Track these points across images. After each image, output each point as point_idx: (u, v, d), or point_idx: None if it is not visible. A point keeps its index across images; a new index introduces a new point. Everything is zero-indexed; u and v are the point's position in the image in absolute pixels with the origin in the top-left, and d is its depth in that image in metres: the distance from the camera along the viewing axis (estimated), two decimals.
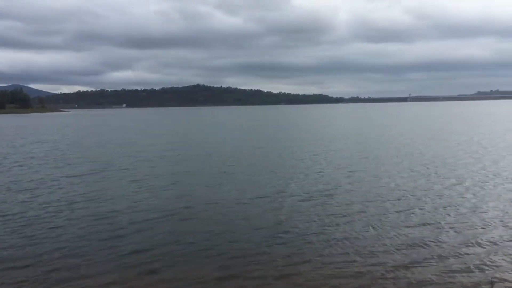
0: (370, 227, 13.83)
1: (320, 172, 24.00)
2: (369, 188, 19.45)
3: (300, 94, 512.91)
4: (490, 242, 12.24)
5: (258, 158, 30.24)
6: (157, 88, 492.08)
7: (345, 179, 21.77)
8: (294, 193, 18.73)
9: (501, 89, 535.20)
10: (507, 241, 12.31)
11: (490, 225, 13.71)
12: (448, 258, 11.15)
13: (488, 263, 10.82)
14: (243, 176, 23.17)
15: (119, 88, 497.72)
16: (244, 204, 17.06)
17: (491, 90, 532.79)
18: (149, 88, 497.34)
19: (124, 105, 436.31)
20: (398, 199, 17.29)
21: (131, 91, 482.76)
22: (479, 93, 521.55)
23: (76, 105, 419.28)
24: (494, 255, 11.30)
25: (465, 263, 10.81)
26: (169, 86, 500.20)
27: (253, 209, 16.30)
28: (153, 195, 18.93)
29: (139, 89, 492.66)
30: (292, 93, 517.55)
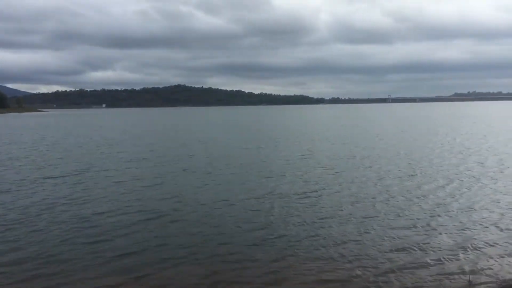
0: (361, 229, 13.74)
1: (307, 173, 23.91)
2: (358, 189, 19.41)
3: (281, 95, 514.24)
4: (483, 243, 12.28)
5: (243, 159, 30.01)
6: (137, 88, 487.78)
7: (333, 180, 21.72)
8: (282, 194, 18.57)
9: (478, 90, 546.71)
10: (497, 241, 12.36)
11: (479, 226, 13.77)
12: (441, 261, 11.12)
13: (481, 265, 10.82)
14: (229, 177, 22.95)
15: (98, 88, 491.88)
16: (232, 205, 16.84)
17: (468, 92, 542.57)
18: (129, 88, 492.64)
19: (104, 105, 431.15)
20: (387, 200, 17.28)
21: (111, 91, 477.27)
22: (456, 94, 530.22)
23: (54, 105, 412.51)
24: (487, 256, 11.33)
25: (458, 265, 10.81)
26: (150, 86, 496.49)
27: (241, 210, 16.10)
28: (137, 197, 18.55)
29: (119, 89, 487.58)
30: (273, 93, 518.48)
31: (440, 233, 13.14)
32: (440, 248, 11.99)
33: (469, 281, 9.84)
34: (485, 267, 10.70)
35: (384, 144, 38.14)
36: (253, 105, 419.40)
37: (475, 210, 15.63)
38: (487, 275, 10.25)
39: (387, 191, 18.90)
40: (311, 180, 21.63)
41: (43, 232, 13.81)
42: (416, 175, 22.56)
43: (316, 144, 39.55)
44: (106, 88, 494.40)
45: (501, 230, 13.36)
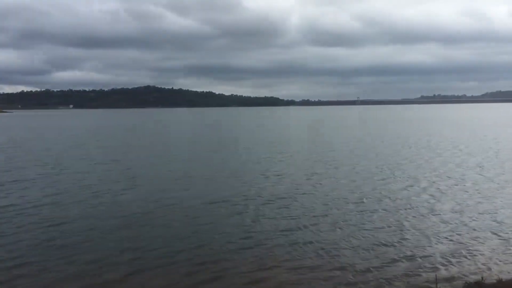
0: (337, 229, 14.04)
1: (280, 175, 24.12)
2: (331, 190, 19.79)
3: (252, 96, 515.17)
4: (452, 241, 12.77)
5: (215, 162, 30.04)
6: (106, 89, 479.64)
7: (306, 181, 22.05)
8: (257, 196, 18.73)
9: (443, 93, 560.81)
10: (464, 240, 12.87)
11: (447, 226, 14.27)
12: (409, 258, 11.52)
13: (447, 262, 11.27)
14: (203, 180, 22.91)
15: (65, 89, 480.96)
16: (207, 208, 16.86)
17: (434, 95, 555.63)
18: (97, 89, 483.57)
19: (71, 106, 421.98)
20: (361, 201, 17.71)
21: (79, 91, 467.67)
22: (422, 97, 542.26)
23: (19, 106, 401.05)
24: (453, 254, 11.80)
25: (425, 263, 11.22)
26: (119, 87, 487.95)
27: (217, 213, 16.15)
28: (110, 200, 18.36)
29: (87, 89, 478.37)
30: (244, 95, 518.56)
31: (409, 232, 13.58)
32: (408, 245, 12.40)
33: (436, 277, 10.26)
34: (451, 264, 11.14)
35: (361, 146, 38.83)
36: (223, 106, 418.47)
37: (444, 210, 16.18)
38: (453, 272, 10.70)
39: (360, 192, 19.32)
40: (285, 183, 21.85)
41: (12, 237, 13.49)
42: (390, 177, 23.10)
43: (289, 146, 39.90)
44: (74, 88, 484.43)
45: (468, 229, 13.90)
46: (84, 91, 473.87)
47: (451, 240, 12.90)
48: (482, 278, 10.16)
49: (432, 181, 21.59)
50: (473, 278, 10.26)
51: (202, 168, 27.00)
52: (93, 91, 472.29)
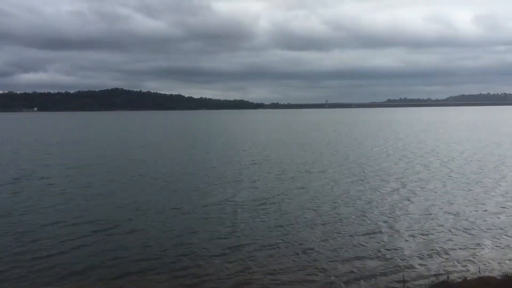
0: (320, 233, 14.38)
1: (260, 179, 24.28)
2: (315, 194, 20.18)
3: (221, 99, 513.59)
4: (419, 241, 13.34)
5: (190, 165, 30.02)
6: (72, 92, 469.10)
7: (288, 185, 22.38)
8: (239, 201, 18.84)
9: (409, 97, 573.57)
10: (430, 241, 13.48)
11: (417, 225, 14.87)
12: (377, 259, 12.03)
13: (414, 263, 11.81)
14: (180, 185, 22.83)
15: (30, 91, 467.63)
16: (184, 213, 16.90)
17: (400, 98, 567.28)
18: (63, 91, 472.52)
19: (36, 108, 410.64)
20: (335, 203, 18.26)
21: (44, 94, 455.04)
22: (389, 100, 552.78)
23: None
24: (420, 254, 12.36)
25: (393, 264, 11.74)
26: (86, 89, 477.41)
27: (198, 218, 16.18)
28: (86, 206, 18.18)
29: (52, 92, 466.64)
30: (213, 98, 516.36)
31: (378, 233, 14.13)
32: (377, 246, 12.93)
33: (403, 277, 10.76)
34: (418, 264, 11.70)
35: (331, 149, 39.48)
36: (193, 109, 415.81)
37: (429, 212, 16.81)
38: (420, 272, 11.24)
39: (334, 194, 19.81)
40: (265, 187, 22.10)
41: None
42: (365, 179, 23.69)
43: (263, 150, 40.18)
44: (38, 91, 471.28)
45: (436, 230, 14.53)
46: (49, 93, 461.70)
47: (418, 241, 13.50)
48: (448, 277, 10.72)
49: (402, 182, 22.30)
50: (439, 277, 10.81)
51: (173, 172, 26.95)
52: (59, 93, 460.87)
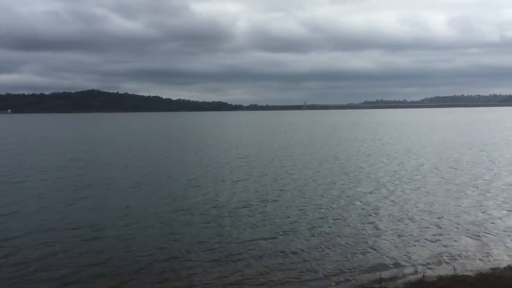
0: (309, 236, 14.42)
1: (241, 181, 24.27)
2: (299, 195, 20.34)
3: (200, 101, 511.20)
4: (396, 240, 13.55)
5: (168, 168, 29.85)
6: (47, 93, 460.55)
7: (271, 186, 22.44)
8: (223, 204, 18.69)
9: (385, 99, 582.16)
10: (408, 240, 13.71)
11: (394, 224, 15.12)
12: (354, 258, 12.19)
13: (390, 262, 12.00)
14: (157, 189, 22.49)
15: (3, 92, 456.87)
16: (170, 217, 16.62)
17: (377, 100, 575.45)
18: (38, 92, 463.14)
19: (9, 110, 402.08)
20: (319, 205, 18.37)
21: (18, 95, 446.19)
22: (366, 102, 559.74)
23: None
24: (397, 254, 12.57)
25: (369, 263, 11.92)
26: (61, 91, 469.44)
27: (179, 222, 15.95)
28: (63, 212, 17.83)
29: (27, 93, 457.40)
30: (191, 100, 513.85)
31: (356, 233, 14.32)
32: (354, 245, 13.13)
33: (380, 277, 10.93)
34: (394, 264, 11.90)
35: (312, 150, 39.74)
36: (171, 111, 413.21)
37: (390, 210, 17.09)
38: (396, 271, 11.44)
39: (318, 197, 19.97)
40: (246, 189, 22.09)
41: None
42: (345, 179, 23.96)
43: (244, 151, 40.20)
44: (12, 92, 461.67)
45: (412, 228, 14.79)
46: (23, 95, 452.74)
47: (395, 240, 13.73)
48: (423, 276, 10.93)
49: (380, 181, 22.61)
50: (415, 276, 11.01)
51: (156, 175, 26.77)
52: (33, 95, 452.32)
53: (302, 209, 17.76)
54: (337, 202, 18.94)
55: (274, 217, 16.61)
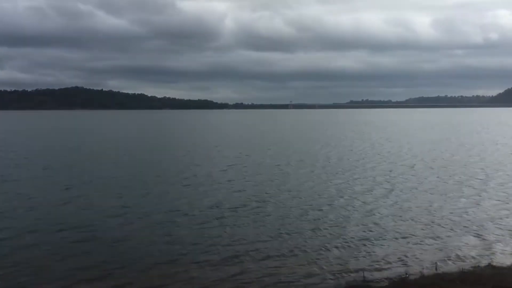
0: (279, 231, 14.48)
1: (236, 181, 24.04)
2: (293, 195, 20.22)
3: (185, 99, 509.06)
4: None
5: (165, 167, 29.65)
6: (29, 90, 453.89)
7: (262, 188, 22.12)
8: (217, 204, 18.48)
9: (371, 99, 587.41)
10: (391, 241, 13.84)
11: (378, 224, 15.24)
12: (339, 259, 12.26)
13: (375, 263, 12.10)
14: (150, 188, 22.12)
15: None
16: (164, 218, 16.31)
17: (362, 100, 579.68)
18: (20, 89, 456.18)
19: None
20: (309, 204, 18.38)
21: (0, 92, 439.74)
22: (351, 102, 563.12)
23: None
24: (380, 254, 12.69)
25: (354, 263, 12.00)
26: (44, 87, 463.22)
27: (175, 223, 15.60)
28: (45, 212, 17.56)
29: (9, 90, 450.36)
30: (177, 98, 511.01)
31: (341, 232, 14.39)
32: (337, 245, 13.20)
33: (364, 277, 11.02)
34: (377, 263, 12.00)
35: (301, 149, 39.87)
36: (156, 109, 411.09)
37: (375, 211, 17.21)
38: (379, 270, 11.54)
39: (306, 195, 20.04)
40: (242, 188, 21.98)
41: None
42: (335, 179, 24.09)
43: (234, 151, 40.15)
44: None
45: (394, 226, 14.93)
46: (6, 91, 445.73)
47: (378, 240, 13.82)
48: (406, 274, 11.04)
49: (366, 180, 22.79)
50: (398, 275, 11.11)
51: (148, 175, 26.50)
52: (16, 91, 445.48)
53: (295, 208, 17.82)
54: (320, 199, 19.04)
55: (271, 217, 16.54)
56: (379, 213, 17.00)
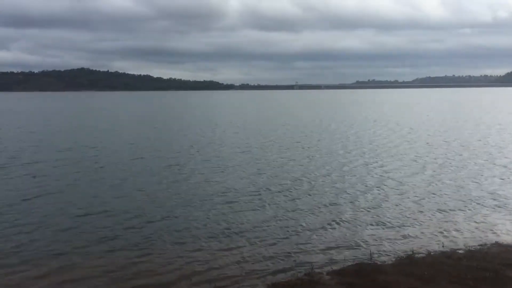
0: (290, 211, 14.58)
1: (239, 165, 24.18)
2: (299, 176, 20.17)
3: (191, 80, 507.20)
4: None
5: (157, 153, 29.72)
6: (36, 71, 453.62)
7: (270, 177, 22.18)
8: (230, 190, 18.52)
9: (377, 79, 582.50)
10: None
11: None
12: (348, 238, 12.31)
13: (385, 238, 12.15)
14: (157, 171, 22.30)
15: None
16: (167, 203, 16.18)
17: (368, 80, 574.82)
18: (26, 70, 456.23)
19: None
20: (318, 184, 18.42)
21: (6, 73, 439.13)
22: (357, 82, 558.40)
23: None
24: (389, 230, 12.73)
25: (364, 239, 12.07)
26: (50, 69, 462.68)
27: (183, 210, 15.32)
28: (59, 196, 17.62)
29: (15, 71, 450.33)
30: (182, 79, 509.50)
31: (345, 211, 14.45)
32: (345, 224, 13.25)
33: (370, 254, 11.07)
34: (384, 240, 12.05)
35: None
36: (162, 90, 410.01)
37: (379, 190, 17.25)
38: (386, 247, 11.59)
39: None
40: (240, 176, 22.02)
41: None
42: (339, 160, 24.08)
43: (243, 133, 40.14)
44: (0, 70, 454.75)
45: (402, 209, 14.95)
46: (12, 73, 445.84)
47: (384, 219, 13.86)
48: (412, 252, 11.08)
49: (368, 162, 22.75)
50: (404, 252, 11.15)
51: (150, 160, 26.50)
52: (22, 73, 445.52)
53: (291, 187, 17.82)
54: (327, 180, 19.08)
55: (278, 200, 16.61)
56: (384, 192, 17.02)
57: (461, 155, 25.20)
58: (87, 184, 18.58)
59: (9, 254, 11.19)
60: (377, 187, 17.86)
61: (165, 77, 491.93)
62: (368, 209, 14.85)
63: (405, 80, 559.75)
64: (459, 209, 14.75)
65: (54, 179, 19.44)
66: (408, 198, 16.18)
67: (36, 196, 16.41)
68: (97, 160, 24.14)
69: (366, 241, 12.06)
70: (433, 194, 16.66)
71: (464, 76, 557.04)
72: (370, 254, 11.07)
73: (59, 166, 22.50)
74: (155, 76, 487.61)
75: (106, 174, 20.72)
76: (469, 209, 14.73)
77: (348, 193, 16.87)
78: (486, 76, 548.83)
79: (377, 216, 14.16)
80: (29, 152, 27.19)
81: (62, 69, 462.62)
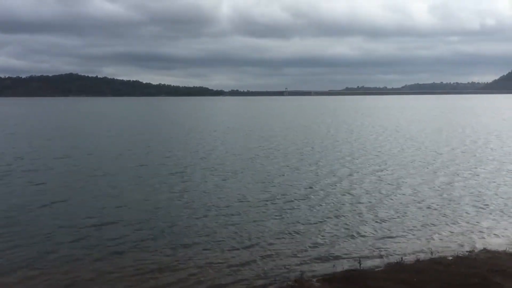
0: (279, 220, 14.57)
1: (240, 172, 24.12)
2: (298, 180, 20.25)
3: (181, 86, 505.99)
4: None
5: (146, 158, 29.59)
6: (23, 76, 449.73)
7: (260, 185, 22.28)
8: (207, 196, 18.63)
9: (366, 85, 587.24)
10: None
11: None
12: (340, 243, 12.33)
13: (376, 244, 12.17)
14: (153, 177, 22.28)
15: None
16: (165, 208, 16.15)
17: (358, 86, 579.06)
18: (14, 76, 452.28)
19: None
20: (310, 188, 18.48)
21: None
22: (347, 89, 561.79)
23: None
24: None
25: (354, 245, 12.08)
26: (39, 74, 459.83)
27: (184, 215, 15.33)
28: (50, 205, 17.53)
29: (3, 76, 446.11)
30: (172, 84, 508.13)
31: (334, 218, 14.47)
32: (333, 230, 13.26)
33: (359, 259, 11.08)
34: (373, 247, 12.09)
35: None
36: (151, 96, 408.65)
37: (368, 196, 17.31)
38: (375, 254, 11.62)
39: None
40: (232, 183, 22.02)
41: None
42: (326, 167, 24.15)
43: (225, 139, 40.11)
44: None
45: (390, 214, 15.02)
46: (0, 78, 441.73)
47: (374, 225, 13.92)
48: (402, 258, 11.13)
49: (359, 168, 22.84)
50: (394, 259, 11.20)
51: (152, 165, 26.41)
52: (9, 78, 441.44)
53: (280, 195, 17.85)
54: (317, 185, 19.11)
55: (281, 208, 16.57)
56: (374, 200, 17.07)
57: (447, 160, 25.41)
58: (89, 192, 18.38)
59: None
60: (367, 193, 17.90)
61: (154, 83, 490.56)
62: (356, 216, 14.88)
63: (394, 87, 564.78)
64: (446, 215, 14.85)
65: (52, 187, 19.24)
66: (396, 205, 16.25)
67: (38, 206, 16.09)
68: (96, 167, 23.84)
69: (355, 247, 12.09)
70: (421, 200, 16.76)
71: (452, 83, 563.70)
72: (360, 260, 11.09)
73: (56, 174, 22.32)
74: (144, 82, 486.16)
75: (106, 181, 20.52)
76: (456, 215, 14.84)
77: (336, 201, 16.87)
78: (473, 83, 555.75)
79: (366, 222, 14.21)
80: (27, 159, 26.91)
81: (51, 75, 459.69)
